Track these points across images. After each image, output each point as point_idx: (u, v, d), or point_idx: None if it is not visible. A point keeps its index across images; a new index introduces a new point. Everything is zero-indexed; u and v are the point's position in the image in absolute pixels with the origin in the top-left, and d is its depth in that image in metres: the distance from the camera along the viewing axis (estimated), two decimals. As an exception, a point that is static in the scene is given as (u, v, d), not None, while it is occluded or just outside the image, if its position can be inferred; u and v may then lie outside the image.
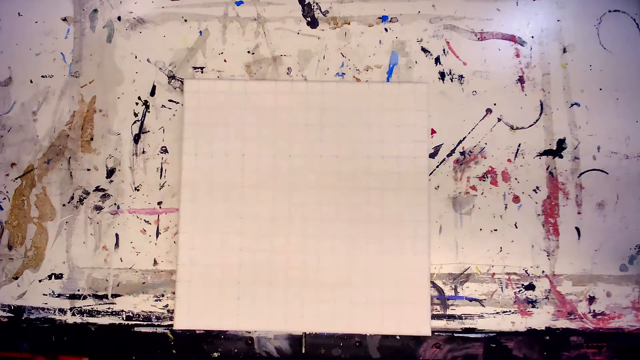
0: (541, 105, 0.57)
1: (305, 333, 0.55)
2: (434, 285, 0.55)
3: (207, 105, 0.56)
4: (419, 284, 0.54)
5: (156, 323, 0.56)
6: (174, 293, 0.56)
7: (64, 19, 0.59)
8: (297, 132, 0.56)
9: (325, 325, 0.54)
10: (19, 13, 0.60)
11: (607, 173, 0.56)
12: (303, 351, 0.55)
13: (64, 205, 0.57)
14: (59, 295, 0.57)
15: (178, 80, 0.58)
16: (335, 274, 0.54)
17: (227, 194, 0.55)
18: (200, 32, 0.58)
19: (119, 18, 0.59)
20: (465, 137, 0.57)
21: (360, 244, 0.54)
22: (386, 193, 0.55)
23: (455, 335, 0.54)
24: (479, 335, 0.54)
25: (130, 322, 0.56)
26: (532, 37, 0.57)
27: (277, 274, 0.54)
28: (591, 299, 0.55)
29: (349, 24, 0.58)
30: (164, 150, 0.57)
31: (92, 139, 0.58)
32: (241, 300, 0.54)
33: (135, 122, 0.58)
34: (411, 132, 0.56)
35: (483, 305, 0.55)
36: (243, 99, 0.56)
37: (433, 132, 0.57)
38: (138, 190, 0.57)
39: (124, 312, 0.56)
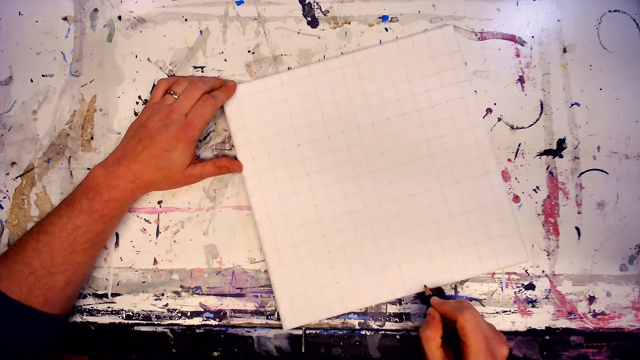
0: (541, 105, 0.57)
1: (305, 332, 0.55)
2: (434, 284, 0.55)
3: (248, 107, 0.56)
4: (503, 216, 0.54)
5: (156, 322, 0.56)
6: (173, 292, 0.56)
7: (65, 18, 0.59)
8: (343, 107, 0.56)
9: (429, 281, 0.54)
10: (19, 12, 0.60)
11: (607, 173, 0.56)
12: (303, 350, 0.55)
13: (64, 204, 0.57)
14: (58, 295, 0.57)
15: (178, 79, 0.58)
16: (421, 231, 0.54)
17: (295, 186, 0.55)
18: (201, 31, 0.58)
19: (119, 17, 0.59)
20: (465, 136, 0.57)
21: (436, 194, 0.55)
22: (445, 139, 0.55)
23: (455, 334, 0.54)
24: (479, 335, 0.54)
25: (130, 322, 0.56)
26: (532, 37, 0.57)
27: (367, 246, 0.54)
28: (591, 299, 0.55)
29: (349, 23, 0.58)
30: (164, 150, 0.57)
31: (92, 138, 0.58)
32: (340, 284, 0.54)
33: (135, 121, 0.58)
34: (452, 75, 0.56)
35: (483, 305, 0.55)
36: (282, 92, 0.56)
37: (433, 131, 0.57)
38: (138, 189, 0.57)
39: (123, 311, 0.56)
